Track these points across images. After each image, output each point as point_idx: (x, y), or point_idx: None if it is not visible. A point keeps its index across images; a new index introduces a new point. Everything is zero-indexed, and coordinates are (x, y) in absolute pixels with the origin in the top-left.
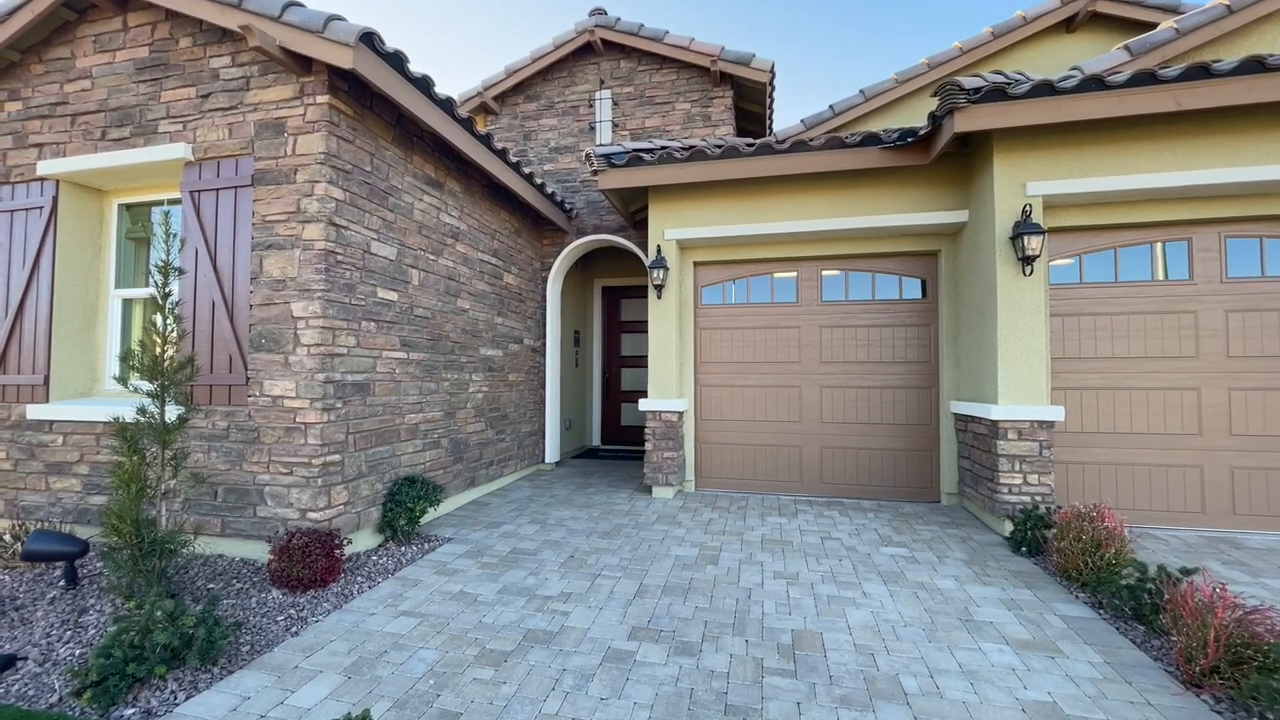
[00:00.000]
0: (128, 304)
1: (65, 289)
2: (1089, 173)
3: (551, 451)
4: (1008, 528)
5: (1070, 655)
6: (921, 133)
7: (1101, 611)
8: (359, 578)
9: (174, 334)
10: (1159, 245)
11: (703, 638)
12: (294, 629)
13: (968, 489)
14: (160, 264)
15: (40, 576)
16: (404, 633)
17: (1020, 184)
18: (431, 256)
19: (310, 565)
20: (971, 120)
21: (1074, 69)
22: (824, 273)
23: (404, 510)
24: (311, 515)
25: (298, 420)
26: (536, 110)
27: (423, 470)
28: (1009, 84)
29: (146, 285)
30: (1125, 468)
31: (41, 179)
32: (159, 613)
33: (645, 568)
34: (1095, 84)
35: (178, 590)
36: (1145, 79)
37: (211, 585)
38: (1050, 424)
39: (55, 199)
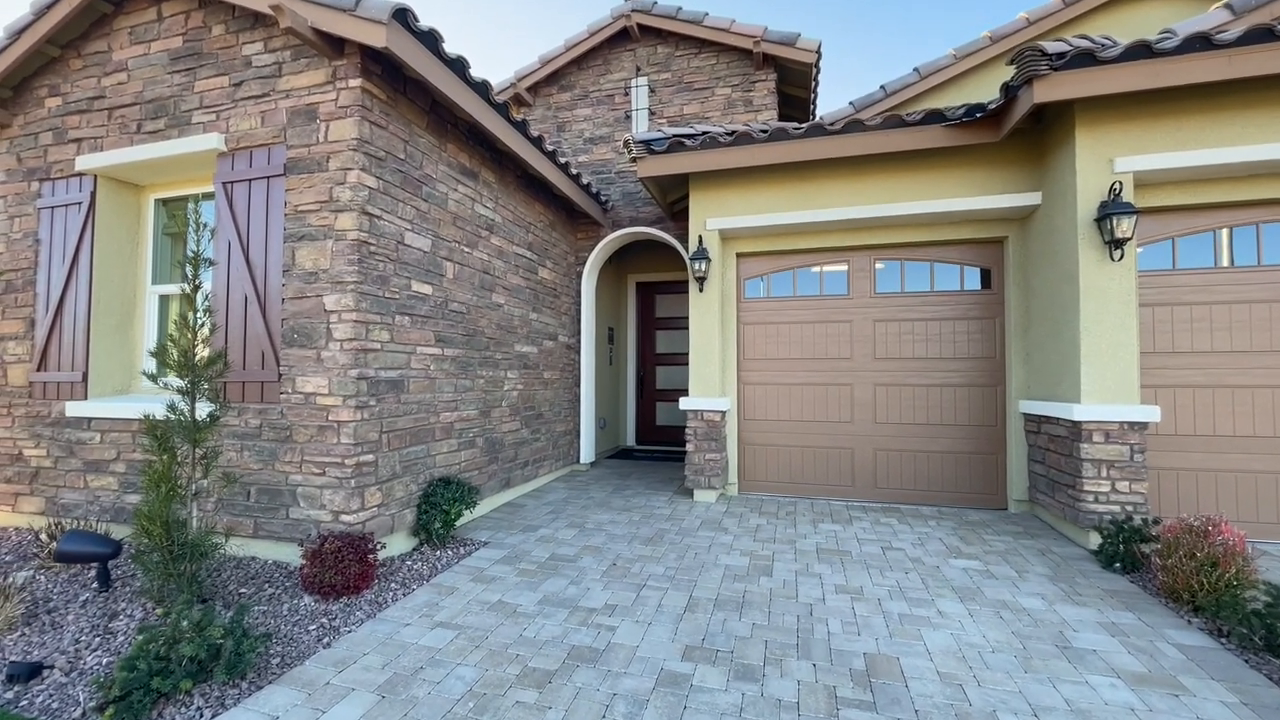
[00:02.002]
0: (164, 300)
1: (103, 285)
2: (1187, 145)
3: (586, 452)
4: (1094, 540)
5: (1197, 693)
6: (992, 107)
7: (1224, 640)
8: (393, 584)
9: (205, 328)
10: (1263, 226)
11: (764, 660)
12: (326, 640)
13: (1041, 496)
14: (191, 254)
15: (74, 578)
16: (441, 646)
17: (1106, 160)
18: (466, 249)
19: (343, 571)
20: (1054, 89)
21: (1165, 31)
22: (877, 263)
23: (439, 513)
24: (344, 518)
25: (330, 418)
26: (570, 100)
27: (458, 471)
28: (1098, 47)
29: (182, 280)
30: (1226, 474)
31: (80, 174)
32: (185, 622)
33: (693, 578)
34: (1200, 43)
35: (209, 595)
36: (1262, 35)
37: (243, 589)
38: (1143, 425)
39: (93, 194)
